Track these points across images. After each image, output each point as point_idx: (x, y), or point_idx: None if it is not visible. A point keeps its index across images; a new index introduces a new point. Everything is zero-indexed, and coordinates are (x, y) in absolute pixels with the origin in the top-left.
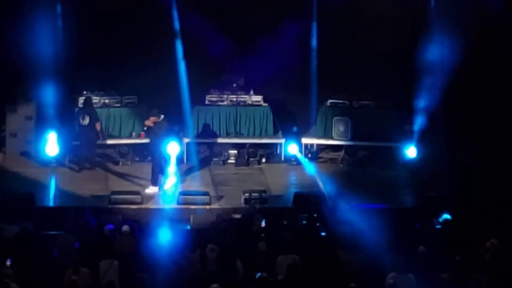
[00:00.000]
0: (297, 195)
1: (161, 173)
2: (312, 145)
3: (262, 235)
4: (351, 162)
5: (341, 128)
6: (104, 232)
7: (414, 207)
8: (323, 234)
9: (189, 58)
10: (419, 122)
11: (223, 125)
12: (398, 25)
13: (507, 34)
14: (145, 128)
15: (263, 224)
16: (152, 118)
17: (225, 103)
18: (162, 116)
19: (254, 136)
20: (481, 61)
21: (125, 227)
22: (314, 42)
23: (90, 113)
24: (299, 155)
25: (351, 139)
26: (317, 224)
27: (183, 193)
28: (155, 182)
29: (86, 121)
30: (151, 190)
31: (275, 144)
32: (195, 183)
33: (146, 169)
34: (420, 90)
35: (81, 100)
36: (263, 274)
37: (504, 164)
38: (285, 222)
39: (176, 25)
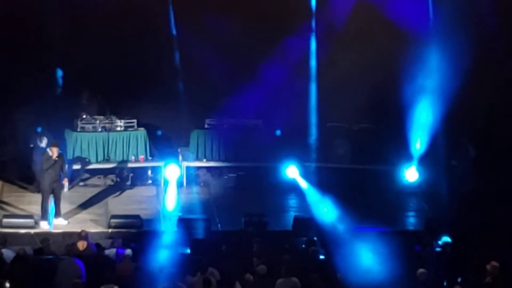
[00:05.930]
0: (296, 219)
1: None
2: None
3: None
4: None
5: (341, 151)
6: (108, 256)
7: (414, 230)
8: (322, 257)
9: (188, 82)
10: (419, 145)
11: (222, 149)
12: (395, 47)
13: (505, 56)
14: (56, 159)
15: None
16: (56, 149)
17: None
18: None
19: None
20: (480, 83)
21: (128, 251)
22: (313, 66)
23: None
24: (299, 179)
25: (350, 162)
26: (317, 247)
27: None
28: (45, 216)
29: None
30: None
31: None
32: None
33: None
34: (420, 113)
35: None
36: None
37: (504, 186)
38: (286, 246)
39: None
